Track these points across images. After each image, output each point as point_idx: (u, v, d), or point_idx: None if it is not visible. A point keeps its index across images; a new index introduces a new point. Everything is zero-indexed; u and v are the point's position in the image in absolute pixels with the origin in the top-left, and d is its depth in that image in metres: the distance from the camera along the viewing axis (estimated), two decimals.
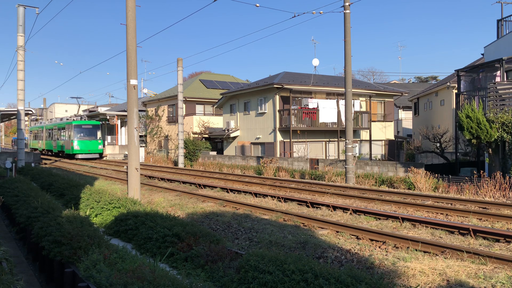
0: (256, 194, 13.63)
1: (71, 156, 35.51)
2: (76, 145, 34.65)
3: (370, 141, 28.28)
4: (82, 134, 35.28)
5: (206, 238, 6.75)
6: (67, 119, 38.80)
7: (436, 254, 6.75)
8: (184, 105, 31.36)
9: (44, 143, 44.31)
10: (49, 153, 43.22)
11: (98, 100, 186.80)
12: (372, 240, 7.80)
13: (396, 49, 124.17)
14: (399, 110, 40.98)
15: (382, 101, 31.11)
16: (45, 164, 29.34)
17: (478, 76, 18.14)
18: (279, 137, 26.53)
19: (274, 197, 12.90)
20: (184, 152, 28.44)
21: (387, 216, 9.60)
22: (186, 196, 13.70)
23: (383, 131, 30.81)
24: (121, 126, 42.35)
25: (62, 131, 37.64)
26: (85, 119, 38.21)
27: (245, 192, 14.17)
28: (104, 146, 38.10)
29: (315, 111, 26.21)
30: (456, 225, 8.33)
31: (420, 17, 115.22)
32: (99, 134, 36.18)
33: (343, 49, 17.35)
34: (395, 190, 14.22)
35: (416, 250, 7.00)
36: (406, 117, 41.03)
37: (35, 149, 48.14)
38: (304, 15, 20.68)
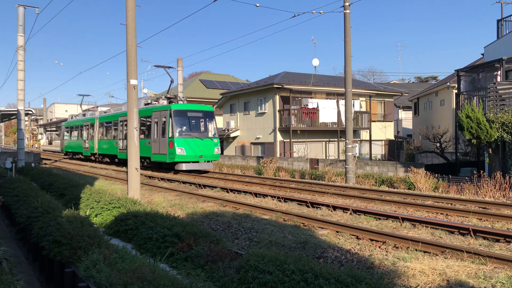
0: (256, 194, 13.62)
1: (167, 166, 21.03)
2: (179, 148, 19.29)
3: (370, 141, 28.28)
4: (186, 127, 20.12)
5: (206, 238, 6.75)
6: (149, 104, 23.36)
7: (436, 254, 6.74)
8: None
9: (96, 144, 28.72)
10: (106, 159, 27.84)
11: (98, 100, 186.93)
12: (372, 240, 7.80)
13: (396, 49, 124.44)
14: (399, 110, 40.98)
15: (382, 101, 31.12)
16: (45, 164, 29.33)
17: (478, 76, 18.16)
18: (279, 137, 26.53)
19: (274, 197, 12.90)
20: None
21: (387, 216, 9.60)
22: (186, 196, 13.69)
23: (383, 131, 30.81)
24: None
25: (143, 123, 21.84)
26: (184, 102, 22.60)
27: (245, 192, 14.16)
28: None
29: (315, 111, 26.22)
30: (456, 225, 8.33)
31: (420, 17, 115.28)
32: (212, 128, 21.00)
33: (343, 49, 17.36)
34: (395, 190, 14.21)
35: (416, 250, 7.00)
36: (406, 117, 41.03)
37: (77, 153, 33.27)
38: (304, 15, 20.71)
